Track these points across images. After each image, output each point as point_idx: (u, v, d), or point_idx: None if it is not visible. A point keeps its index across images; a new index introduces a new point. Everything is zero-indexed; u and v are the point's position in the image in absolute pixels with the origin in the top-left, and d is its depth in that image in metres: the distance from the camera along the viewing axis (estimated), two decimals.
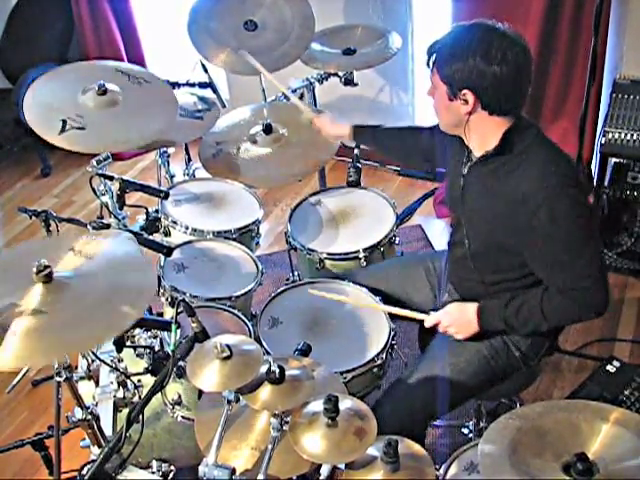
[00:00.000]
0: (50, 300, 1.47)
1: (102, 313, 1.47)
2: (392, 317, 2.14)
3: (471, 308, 1.94)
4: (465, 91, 1.74)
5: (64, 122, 2.16)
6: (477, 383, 2.02)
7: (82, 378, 2.16)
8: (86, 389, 2.10)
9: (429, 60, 1.82)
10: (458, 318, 1.97)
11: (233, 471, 1.54)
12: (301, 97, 3.00)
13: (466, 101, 1.76)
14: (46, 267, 1.49)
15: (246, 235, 2.56)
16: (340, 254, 2.44)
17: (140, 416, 1.61)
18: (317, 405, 1.54)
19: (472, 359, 2.00)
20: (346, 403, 1.56)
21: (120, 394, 2.05)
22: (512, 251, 1.87)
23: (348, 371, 1.99)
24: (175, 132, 2.64)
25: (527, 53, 1.74)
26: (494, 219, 1.86)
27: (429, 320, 2.00)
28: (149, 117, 2.29)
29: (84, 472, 1.68)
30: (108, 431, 1.93)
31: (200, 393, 1.90)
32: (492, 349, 2.01)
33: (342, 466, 1.55)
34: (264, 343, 2.05)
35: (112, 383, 2.07)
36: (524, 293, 1.88)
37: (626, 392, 2.42)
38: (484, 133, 1.83)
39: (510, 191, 1.80)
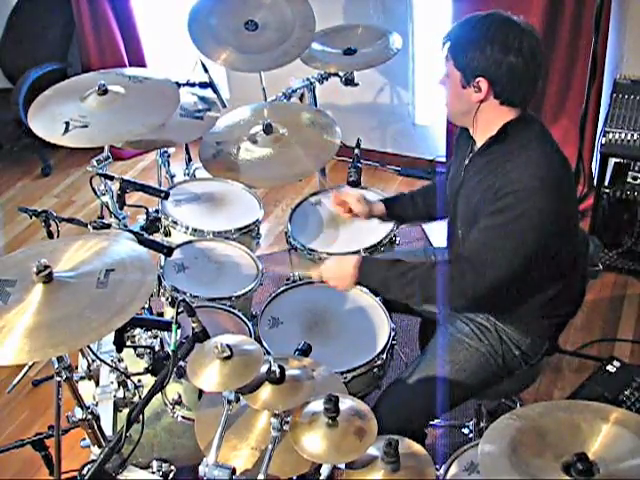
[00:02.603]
0: (50, 299, 1.48)
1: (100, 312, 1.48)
2: (396, 308, 2.18)
3: (351, 260, 1.97)
4: (479, 79, 1.76)
5: (67, 124, 2.17)
6: (477, 382, 2.02)
7: (82, 378, 2.17)
8: (86, 389, 2.11)
9: (443, 47, 1.83)
10: (337, 271, 2.00)
11: (233, 471, 1.54)
12: (301, 97, 3.00)
13: (479, 89, 1.77)
14: (46, 267, 1.49)
15: (246, 235, 2.56)
16: (340, 254, 2.43)
17: (140, 416, 1.61)
18: (317, 405, 1.54)
19: (472, 357, 2.00)
20: (346, 403, 1.56)
21: (120, 394, 2.06)
22: None
23: (348, 371, 1.99)
24: (175, 132, 2.64)
25: (541, 46, 1.77)
26: (483, 211, 1.85)
27: (314, 275, 2.09)
28: (151, 108, 2.31)
29: (84, 472, 1.68)
30: (108, 431, 1.93)
31: (200, 393, 1.91)
32: (492, 348, 2.01)
33: (342, 466, 1.55)
34: (264, 343, 2.05)
35: (112, 383, 2.08)
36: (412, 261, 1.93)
37: (626, 392, 2.43)
38: (490, 122, 1.84)
39: (496, 181, 1.80)
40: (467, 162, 1.95)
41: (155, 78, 2.44)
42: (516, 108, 1.81)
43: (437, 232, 3.61)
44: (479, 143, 1.90)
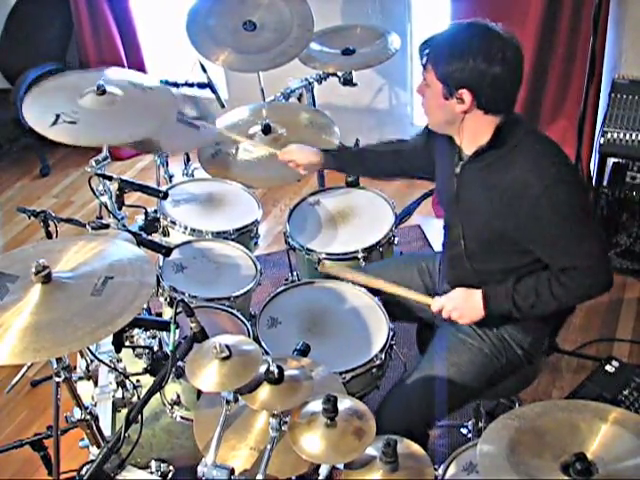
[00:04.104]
0: (47, 300, 1.48)
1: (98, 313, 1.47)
2: (394, 314, 2.15)
3: (476, 294, 1.92)
4: (462, 90, 1.75)
5: (57, 116, 2.17)
6: (480, 383, 2.01)
7: (81, 378, 2.17)
8: (85, 389, 2.11)
9: (422, 57, 1.82)
10: (462, 303, 1.94)
11: (232, 471, 1.54)
12: (300, 97, 3.01)
13: (462, 100, 1.77)
14: (45, 267, 1.49)
15: (245, 235, 2.56)
16: (339, 254, 2.44)
17: (139, 416, 1.61)
18: (316, 405, 1.54)
19: (475, 359, 2.00)
20: (345, 403, 1.55)
21: (119, 394, 2.06)
22: (512, 243, 1.87)
23: (347, 371, 1.99)
24: (174, 140, 2.64)
25: (520, 52, 1.76)
26: (493, 212, 1.86)
27: (435, 304, 1.99)
28: (143, 120, 2.29)
29: (83, 472, 1.68)
30: (107, 431, 1.93)
31: (199, 393, 1.90)
32: (494, 348, 2.00)
33: (341, 466, 1.55)
34: (263, 343, 2.05)
35: (111, 383, 2.07)
36: (529, 277, 1.87)
37: (625, 392, 2.42)
38: (476, 131, 1.83)
39: (508, 183, 1.80)
40: (458, 171, 1.93)
41: (158, 91, 2.43)
42: (501, 114, 1.81)
43: (436, 232, 3.61)
44: (468, 151, 1.89)
